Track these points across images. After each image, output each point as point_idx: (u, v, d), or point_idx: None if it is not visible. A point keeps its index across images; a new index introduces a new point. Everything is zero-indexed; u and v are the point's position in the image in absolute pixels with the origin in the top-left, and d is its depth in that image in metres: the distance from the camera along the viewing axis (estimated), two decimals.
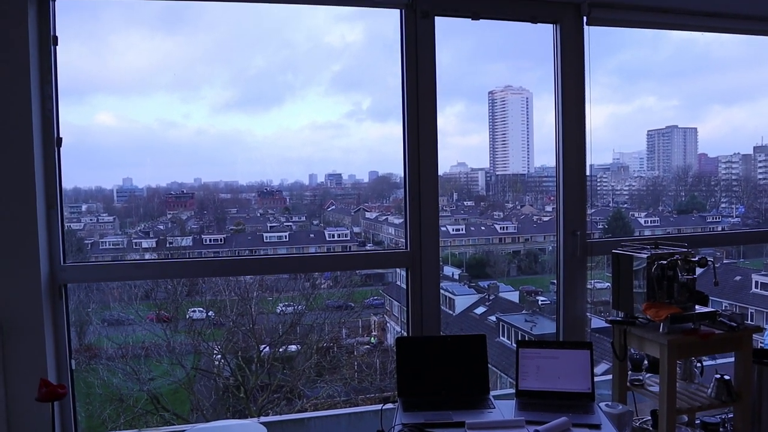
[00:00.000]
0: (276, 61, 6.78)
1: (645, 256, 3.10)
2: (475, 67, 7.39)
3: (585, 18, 3.67)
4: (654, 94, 7.73)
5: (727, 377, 3.09)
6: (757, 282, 6.83)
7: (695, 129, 7.61)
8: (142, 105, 6.23)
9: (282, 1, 3.40)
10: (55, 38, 3.07)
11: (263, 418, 3.87)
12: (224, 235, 7.11)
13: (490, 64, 7.63)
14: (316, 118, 6.98)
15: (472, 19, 3.55)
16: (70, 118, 3.25)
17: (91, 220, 6.80)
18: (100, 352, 6.54)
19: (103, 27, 5.24)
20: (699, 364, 3.38)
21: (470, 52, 6.90)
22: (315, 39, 6.52)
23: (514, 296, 7.78)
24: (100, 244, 6.71)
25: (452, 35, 3.76)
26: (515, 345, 3.16)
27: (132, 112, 6.26)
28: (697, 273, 3.11)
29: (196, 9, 6.04)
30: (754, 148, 7.53)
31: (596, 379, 3.06)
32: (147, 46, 5.77)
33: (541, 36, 3.77)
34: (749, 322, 3.13)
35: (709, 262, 3.06)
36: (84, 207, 6.78)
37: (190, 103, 6.57)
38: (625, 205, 7.85)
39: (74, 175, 6.12)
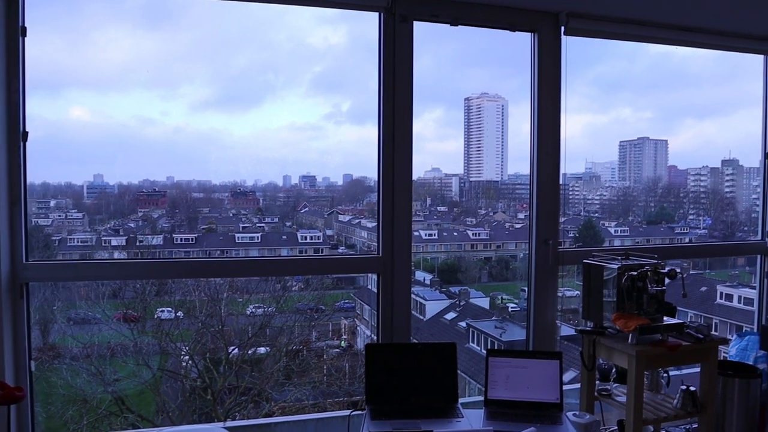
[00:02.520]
0: (257, 61, 6.72)
1: (616, 266, 3.12)
2: (456, 73, 7.41)
3: (563, 28, 3.70)
4: (630, 106, 7.83)
5: (692, 388, 3.12)
6: (721, 293, 6.94)
7: (666, 141, 7.73)
8: (119, 101, 6.11)
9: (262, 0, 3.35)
10: (24, 29, 2.99)
11: (229, 423, 3.82)
12: (196, 235, 7.02)
13: (470, 70, 7.66)
14: (295, 119, 6.93)
15: (451, 25, 3.55)
16: (43, 112, 3.18)
17: (59, 216, 6.65)
18: (64, 352, 6.39)
19: (84, 21, 5.15)
20: (665, 375, 3.41)
21: (451, 58, 6.92)
22: (297, 40, 6.48)
23: (484, 302, 7.80)
24: (69, 240, 6.57)
25: (434, 40, 3.76)
26: (485, 352, 3.15)
27: (108, 107, 6.14)
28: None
29: (180, 5, 5.94)
30: (722, 161, 7.67)
31: (563, 387, 3.07)
32: (128, 42, 5.66)
33: (521, 44, 3.79)
34: (714, 332, 3.17)
35: (678, 275, 3.09)
36: (52, 203, 6.64)
37: (169, 100, 6.48)
38: (596, 215, 7.94)
39: (43, 171, 6.01)
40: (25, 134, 3.02)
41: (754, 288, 4.76)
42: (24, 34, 3.00)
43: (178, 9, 6.03)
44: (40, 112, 3.09)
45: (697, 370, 3.24)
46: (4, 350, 2.87)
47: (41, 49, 3.07)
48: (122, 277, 5.11)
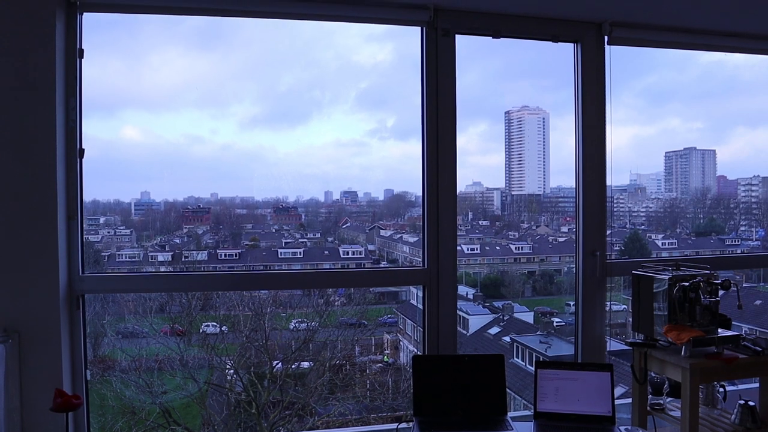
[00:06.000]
0: (305, 79, 6.82)
1: (666, 277, 3.06)
2: (501, 87, 7.41)
3: (606, 37, 3.66)
4: (679, 116, 7.67)
5: (751, 403, 3.02)
6: None
7: (713, 151, 7.55)
8: (171, 120, 6.31)
9: (306, 17, 3.41)
10: (81, 51, 3.12)
11: None
12: (239, 250, 7.13)
13: (513, 84, 7.64)
14: (340, 135, 7.01)
15: (493, 38, 3.56)
16: (97, 132, 3.29)
17: (108, 232, 6.84)
18: (113, 364, 6.55)
19: (141, 43, 5.36)
20: (722, 389, 3.31)
21: (496, 72, 6.92)
22: (344, 57, 6.57)
23: (528, 317, 7.70)
24: (117, 256, 6.75)
25: (479, 55, 3.77)
26: (532, 366, 3.12)
27: (159, 127, 6.34)
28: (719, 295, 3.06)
29: (233, 26, 6.12)
30: None
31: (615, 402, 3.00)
32: (182, 63, 5.85)
33: (563, 55, 3.77)
34: None
35: (733, 285, 3.01)
36: (102, 219, 6.84)
37: (219, 119, 6.64)
38: (642, 227, 7.78)
39: (94, 188, 6.22)
40: (82, 151, 3.14)
41: None
42: (81, 56, 3.13)
43: (230, 29, 6.20)
44: (95, 132, 3.20)
45: (756, 385, 3.13)
46: (62, 359, 2.96)
47: (101, 71, 3.20)
48: (172, 289, 5.23)
